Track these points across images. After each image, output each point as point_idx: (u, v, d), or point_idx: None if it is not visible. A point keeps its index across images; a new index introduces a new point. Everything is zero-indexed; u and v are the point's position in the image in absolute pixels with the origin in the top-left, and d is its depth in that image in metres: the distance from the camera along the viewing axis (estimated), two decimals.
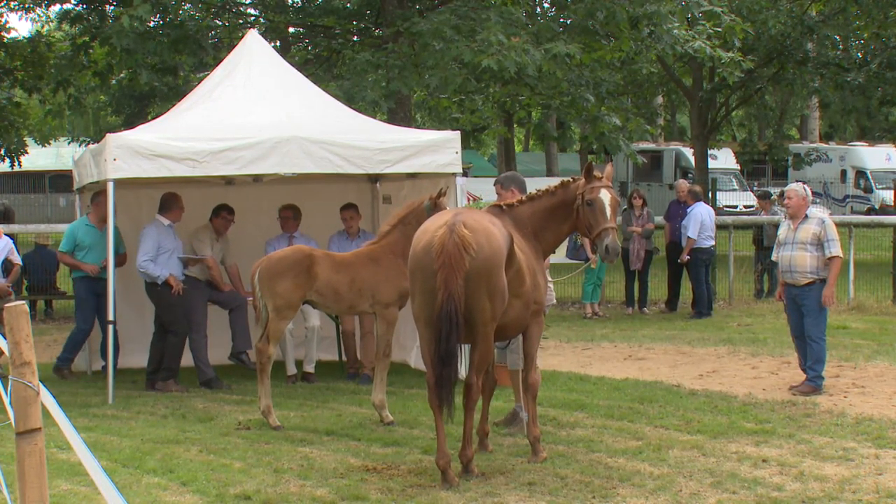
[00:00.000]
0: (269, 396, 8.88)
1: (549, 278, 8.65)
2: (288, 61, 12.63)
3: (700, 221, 15.98)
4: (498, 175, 10.81)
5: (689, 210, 16.19)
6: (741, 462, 7.40)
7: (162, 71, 18.83)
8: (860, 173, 37.85)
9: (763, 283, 18.20)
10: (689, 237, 15.96)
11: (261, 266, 9.06)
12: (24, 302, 3.76)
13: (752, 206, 27.70)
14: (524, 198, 7.80)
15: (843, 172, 38.23)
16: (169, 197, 10.84)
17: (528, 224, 7.63)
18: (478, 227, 6.92)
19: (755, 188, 33.84)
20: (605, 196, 7.51)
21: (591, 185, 7.54)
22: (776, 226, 15.61)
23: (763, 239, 17.94)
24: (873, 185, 37.27)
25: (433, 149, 10.44)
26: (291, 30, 22.38)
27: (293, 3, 22.58)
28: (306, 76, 12.44)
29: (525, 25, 17.29)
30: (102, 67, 19.65)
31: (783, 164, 37.59)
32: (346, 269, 9.09)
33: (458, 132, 10.79)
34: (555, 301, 9.01)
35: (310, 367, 11.10)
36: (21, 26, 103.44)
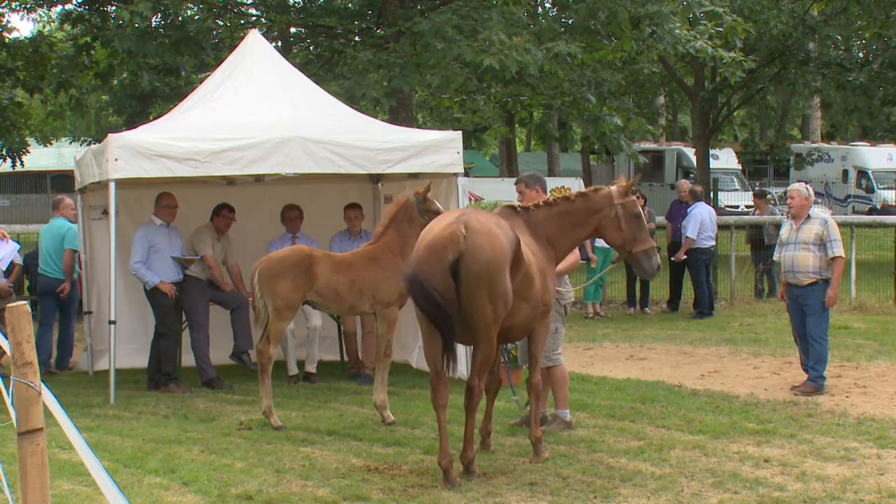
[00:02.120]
0: (270, 397, 8.87)
1: (567, 280, 8.69)
2: (289, 61, 12.62)
3: (700, 221, 15.96)
4: (500, 174, 10.86)
5: (689, 210, 16.19)
6: (743, 462, 7.40)
7: (163, 72, 18.84)
8: (862, 173, 37.85)
9: (764, 283, 18.18)
10: (687, 237, 15.94)
11: (260, 266, 9.05)
12: (25, 302, 3.76)
13: (753, 206, 27.73)
14: (541, 202, 7.85)
15: (845, 172, 38.24)
16: (159, 197, 10.85)
17: (543, 228, 7.65)
18: (480, 228, 6.86)
19: (756, 188, 33.84)
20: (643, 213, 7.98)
21: (629, 198, 7.70)
22: (777, 225, 15.61)
23: (764, 238, 17.94)
24: (875, 184, 37.28)
25: (435, 149, 10.44)
26: (293, 30, 22.38)
27: (294, 3, 22.57)
28: (308, 76, 12.43)
29: (526, 25, 17.29)
30: (104, 68, 19.65)
31: (785, 164, 37.60)
32: (347, 269, 9.09)
33: (460, 132, 10.80)
34: (573, 299, 9.08)
35: (311, 368, 11.09)
36: (23, 26, 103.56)
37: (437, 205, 9.07)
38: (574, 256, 8.41)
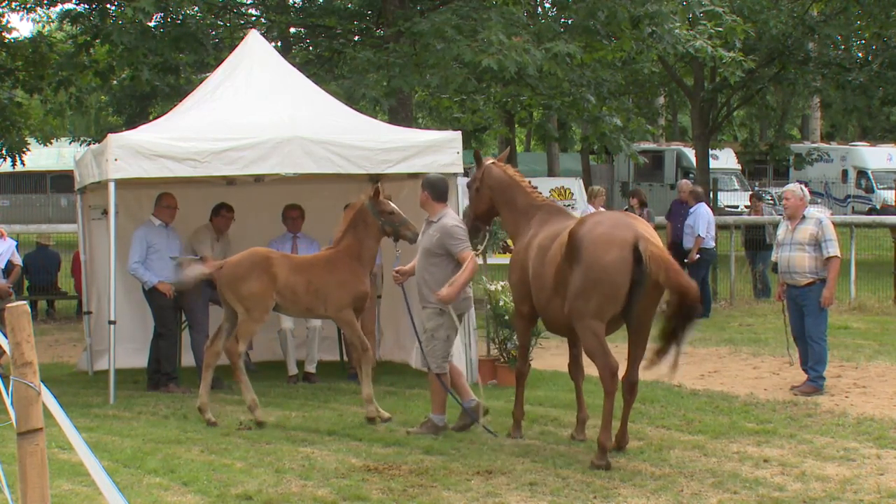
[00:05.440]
0: (251, 391, 8.89)
1: (469, 288, 8.77)
2: (289, 61, 12.62)
3: (707, 220, 15.94)
4: None
5: (692, 210, 16.14)
6: (742, 462, 7.41)
7: (163, 71, 18.83)
8: (861, 173, 37.86)
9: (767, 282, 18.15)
10: (698, 235, 15.84)
11: (220, 273, 9.01)
12: (25, 302, 3.77)
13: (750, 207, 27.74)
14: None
15: (845, 172, 38.25)
16: (159, 197, 10.85)
17: None
18: (652, 240, 7.38)
19: (756, 188, 33.83)
20: None
21: None
22: (777, 226, 15.58)
23: (765, 238, 17.94)
24: (874, 184, 37.29)
25: (435, 149, 10.45)
26: (293, 30, 22.37)
27: (294, 3, 22.58)
28: (308, 76, 12.43)
29: (526, 25, 17.28)
30: (104, 67, 19.64)
31: (784, 164, 37.61)
32: (305, 270, 9.12)
33: (460, 132, 10.82)
34: (471, 307, 9.17)
35: (311, 368, 11.10)
36: (22, 26, 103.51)
37: (391, 205, 9.09)
38: (472, 264, 8.28)
